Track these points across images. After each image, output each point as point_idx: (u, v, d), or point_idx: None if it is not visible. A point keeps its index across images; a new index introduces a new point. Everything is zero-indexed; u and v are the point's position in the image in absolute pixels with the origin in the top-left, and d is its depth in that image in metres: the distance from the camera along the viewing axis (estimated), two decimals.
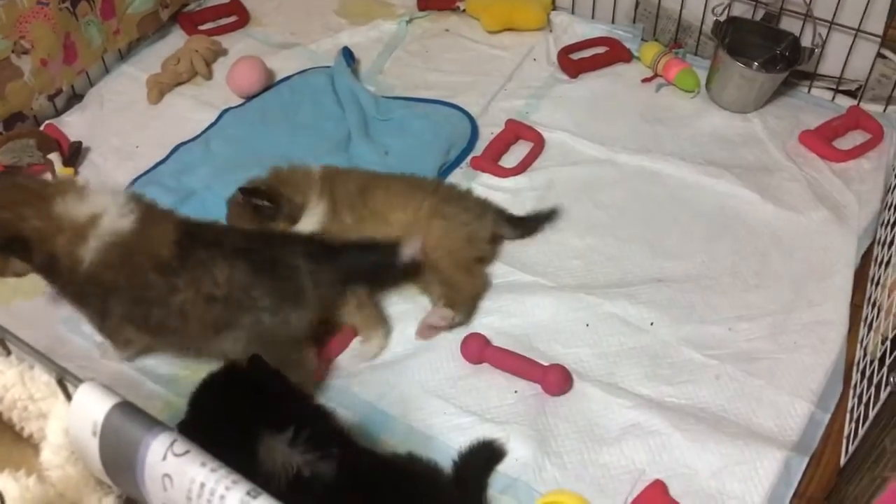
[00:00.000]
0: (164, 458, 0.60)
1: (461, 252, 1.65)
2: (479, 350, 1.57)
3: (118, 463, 0.63)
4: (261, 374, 1.21)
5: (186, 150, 2.01)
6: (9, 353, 0.74)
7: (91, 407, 0.63)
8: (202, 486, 0.59)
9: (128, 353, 1.58)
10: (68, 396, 0.67)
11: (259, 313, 1.42)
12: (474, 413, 1.51)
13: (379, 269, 1.55)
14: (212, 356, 1.50)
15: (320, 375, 1.55)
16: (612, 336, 1.62)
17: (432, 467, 1.32)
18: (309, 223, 1.64)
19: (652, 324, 1.64)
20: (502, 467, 1.43)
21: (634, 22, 2.29)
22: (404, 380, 1.56)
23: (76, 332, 1.64)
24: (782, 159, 1.96)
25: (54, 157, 1.92)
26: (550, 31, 2.32)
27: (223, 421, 1.15)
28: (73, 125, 2.06)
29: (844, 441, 1.46)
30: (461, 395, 1.53)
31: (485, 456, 1.42)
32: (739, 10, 2.10)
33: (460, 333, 1.60)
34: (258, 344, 1.39)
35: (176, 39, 2.30)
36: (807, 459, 1.43)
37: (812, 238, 1.79)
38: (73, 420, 0.65)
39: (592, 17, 2.33)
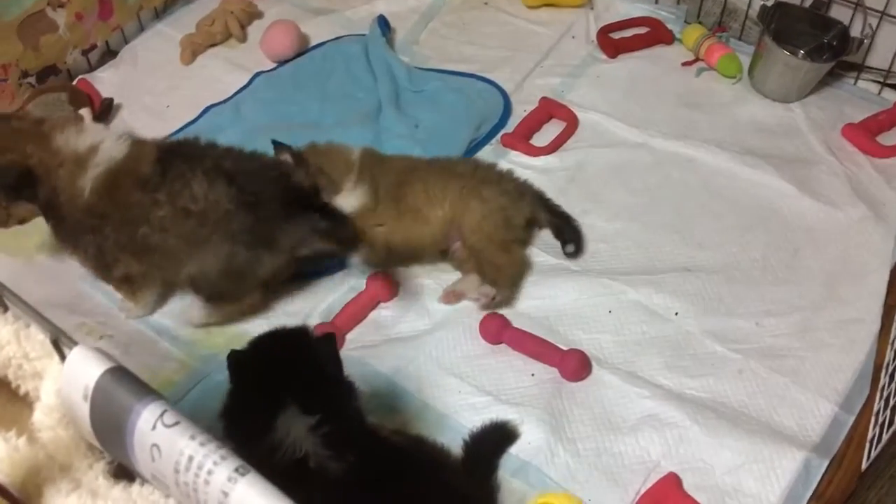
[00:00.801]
0: (154, 427, 0.59)
1: (498, 234, 1.63)
2: (498, 330, 1.55)
3: (108, 429, 0.62)
4: (324, 352, 1.20)
5: (216, 112, 2.00)
6: (6, 309, 0.73)
7: (83, 370, 0.62)
8: (190, 459, 0.58)
9: (143, 305, 1.60)
10: (63, 357, 0.66)
11: (236, 245, 1.43)
12: (489, 393, 1.49)
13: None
14: (187, 287, 1.52)
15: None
16: (634, 324, 1.59)
17: (439, 453, 1.30)
18: (343, 207, 1.60)
19: (676, 313, 1.60)
20: (514, 450, 1.41)
21: (679, 3, 2.23)
22: (421, 355, 1.54)
23: (97, 289, 1.64)
24: (823, 152, 1.91)
25: (85, 112, 1.91)
26: (592, 8, 2.26)
27: (267, 373, 1.16)
28: (105, 81, 2.06)
29: (867, 445, 1.42)
30: (477, 375, 1.51)
31: (497, 437, 1.40)
32: None
33: (479, 313, 1.58)
34: (229, 278, 1.45)
35: (212, 0, 2.28)
36: (827, 461, 1.40)
37: (848, 234, 1.74)
38: (65, 382, 0.64)
39: None
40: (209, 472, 0.57)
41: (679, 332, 1.58)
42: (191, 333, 1.57)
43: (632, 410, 1.46)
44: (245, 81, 2.07)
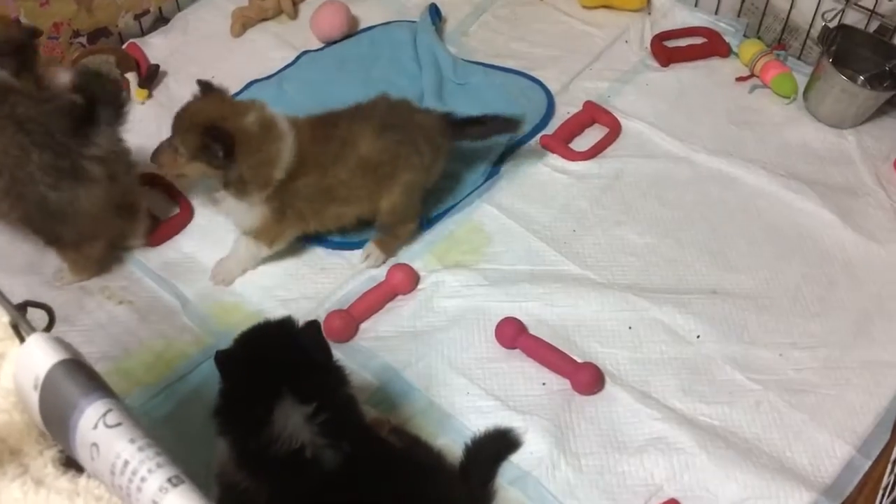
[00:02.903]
0: (95, 426, 0.58)
1: (409, 212, 1.67)
2: (513, 335, 1.53)
3: (55, 421, 0.62)
4: (310, 341, 1.20)
5: (260, 88, 2.00)
6: None
7: (36, 359, 0.62)
8: (126, 463, 0.57)
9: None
10: (22, 342, 0.66)
11: (41, 188, 1.44)
12: (497, 398, 1.47)
13: None
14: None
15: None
16: (653, 343, 1.56)
17: (435, 456, 1.29)
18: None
19: (698, 336, 1.57)
20: (516, 458, 1.40)
21: (739, 16, 2.17)
22: (433, 352, 1.53)
23: (126, 256, 1.66)
24: (871, 183, 1.84)
25: (131, 76, 1.94)
26: (649, 13, 2.21)
27: (258, 367, 1.16)
28: (155, 47, 2.08)
29: (881, 492, 1.37)
30: (487, 378, 1.50)
31: (499, 444, 1.39)
32: (852, 19, 1.96)
33: (497, 315, 1.56)
34: (52, 220, 1.48)
35: None
36: None
37: (887, 272, 1.68)
38: (18, 369, 0.64)
39: (696, 5, 2.22)
40: (142, 479, 0.56)
41: (699, 355, 1.54)
42: (208, 308, 1.58)
43: (640, 431, 1.44)
44: (291, 59, 2.07)
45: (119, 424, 0.58)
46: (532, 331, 1.55)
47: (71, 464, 0.68)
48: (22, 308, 0.71)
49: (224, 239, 1.66)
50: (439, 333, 1.56)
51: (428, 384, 1.48)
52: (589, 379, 1.47)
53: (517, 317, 1.56)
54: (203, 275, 1.63)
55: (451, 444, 1.39)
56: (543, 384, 1.49)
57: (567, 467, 1.38)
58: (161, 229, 1.69)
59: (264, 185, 1.50)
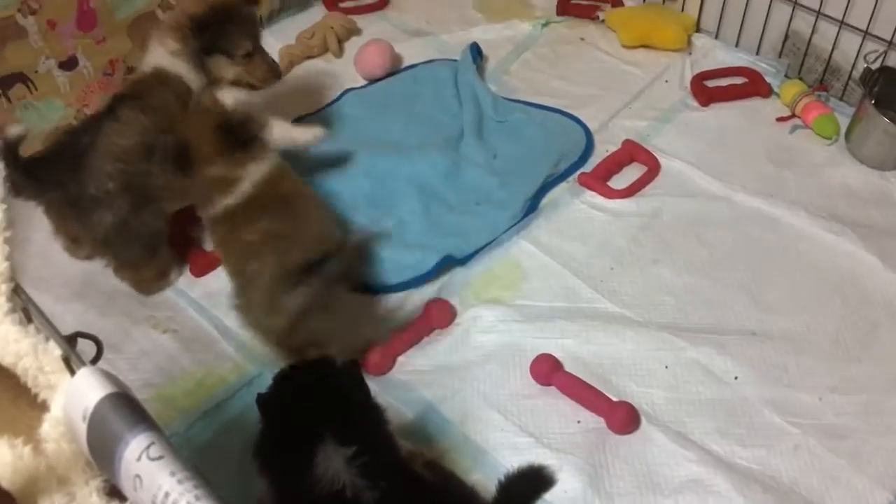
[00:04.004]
0: (139, 458, 0.61)
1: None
2: (548, 372, 1.54)
3: (102, 452, 0.64)
4: (349, 381, 1.22)
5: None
6: (30, 321, 0.77)
7: (85, 392, 0.65)
8: (167, 495, 0.59)
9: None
10: (73, 375, 0.69)
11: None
12: (532, 435, 1.47)
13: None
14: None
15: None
16: (690, 383, 1.55)
17: (469, 492, 1.30)
18: None
19: (736, 378, 1.55)
20: (550, 496, 1.38)
21: (780, 56, 2.17)
22: (468, 387, 1.54)
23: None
24: None
25: None
26: (689, 53, 2.23)
27: (300, 411, 1.18)
28: None
29: None
30: (522, 415, 1.50)
31: (532, 482, 1.38)
32: (895, 61, 1.95)
33: (533, 351, 1.57)
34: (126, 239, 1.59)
35: (315, 13, 2.35)
36: None
37: None
38: (68, 401, 0.67)
39: (736, 45, 2.23)
40: None
41: (736, 397, 1.53)
42: (250, 337, 1.61)
43: (676, 472, 1.43)
44: (335, 96, 2.12)
45: (161, 457, 0.61)
46: (567, 368, 1.55)
47: (115, 493, 0.70)
48: (72, 339, 0.75)
49: None
50: (475, 368, 1.57)
51: (463, 419, 1.49)
52: (624, 418, 1.47)
53: (553, 353, 1.56)
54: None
55: (485, 479, 1.39)
56: (578, 422, 1.49)
57: None
58: (205, 260, 1.73)
59: None
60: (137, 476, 0.61)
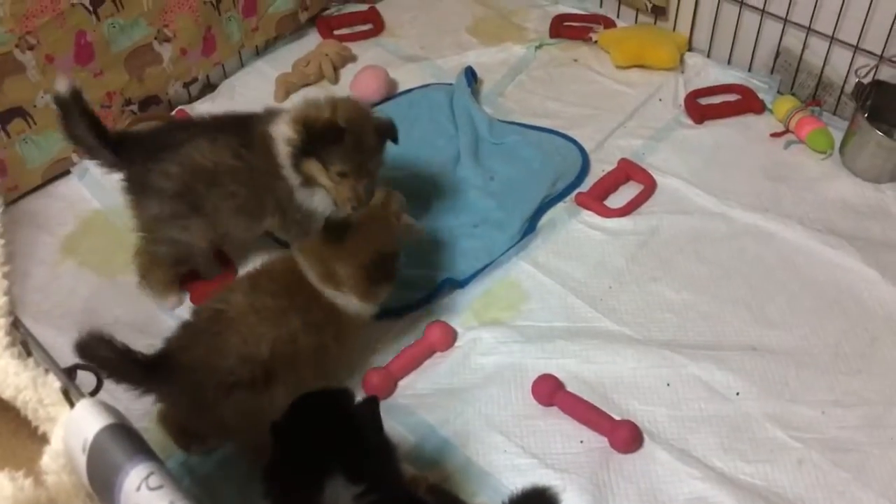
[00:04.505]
0: (139, 489, 0.61)
1: None
2: (550, 392, 1.54)
3: (102, 484, 0.65)
4: (366, 418, 1.20)
5: None
6: (29, 354, 0.77)
7: (84, 424, 0.65)
8: None
9: None
10: (72, 407, 0.69)
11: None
12: (535, 456, 1.47)
13: None
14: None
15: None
16: (692, 400, 1.55)
17: None
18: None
19: (738, 393, 1.55)
20: None
21: (772, 72, 2.19)
22: (470, 409, 1.54)
23: (169, 314, 1.71)
24: None
25: None
26: (682, 72, 2.25)
27: (313, 443, 1.17)
28: (202, 113, 2.15)
29: None
30: (525, 436, 1.50)
31: (536, 503, 1.38)
32: (887, 75, 1.97)
33: (534, 372, 1.57)
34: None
35: (310, 41, 2.37)
36: None
37: None
38: (68, 433, 0.68)
39: (728, 63, 2.25)
40: None
41: (738, 413, 1.53)
42: None
43: (680, 490, 1.42)
44: None
45: (161, 487, 0.61)
46: (569, 388, 1.55)
47: None
48: (72, 371, 0.75)
49: None
50: (476, 390, 1.57)
51: (465, 441, 1.49)
52: (627, 436, 1.47)
53: (554, 374, 1.56)
54: None
55: (489, 502, 1.40)
56: (581, 442, 1.49)
57: None
58: (207, 288, 1.74)
59: None
60: None
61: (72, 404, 0.70)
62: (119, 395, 1.53)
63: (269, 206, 1.64)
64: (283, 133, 1.57)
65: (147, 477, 0.61)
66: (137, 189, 1.61)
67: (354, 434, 1.18)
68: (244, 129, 1.62)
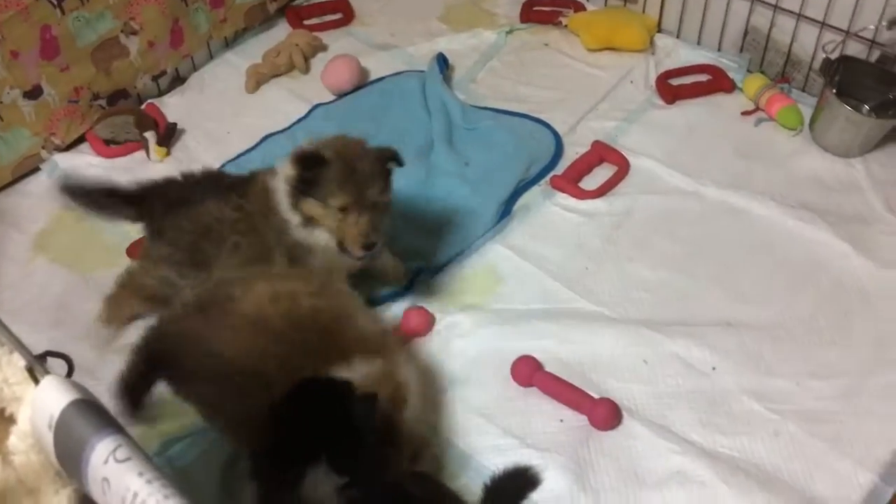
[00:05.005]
0: (106, 462, 0.61)
1: None
2: (529, 373, 1.54)
3: (69, 459, 0.64)
4: (363, 415, 1.19)
5: (274, 141, 2.05)
6: None
7: (50, 400, 0.65)
8: (135, 495, 0.59)
9: None
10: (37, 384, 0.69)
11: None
12: (516, 436, 1.48)
13: None
14: None
15: None
16: (670, 376, 1.56)
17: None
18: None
19: (714, 368, 1.57)
20: (536, 496, 1.39)
21: (742, 51, 2.20)
22: (450, 393, 1.54)
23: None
24: (882, 210, 1.85)
25: (150, 135, 1.99)
26: (652, 53, 2.26)
27: (306, 428, 1.17)
28: (172, 106, 2.14)
29: None
30: (505, 417, 1.51)
31: (518, 483, 1.39)
32: (853, 50, 1.99)
33: (512, 354, 1.57)
34: None
35: (280, 32, 2.35)
36: None
37: None
38: (34, 411, 0.67)
39: (698, 43, 2.26)
40: None
41: (715, 387, 1.54)
42: None
43: (660, 465, 1.43)
44: (304, 112, 2.13)
45: (129, 459, 0.60)
46: (548, 368, 1.56)
47: (86, 502, 0.70)
48: (42, 357, 0.74)
49: None
50: (456, 374, 1.57)
51: (446, 424, 1.49)
52: (606, 414, 1.48)
53: (532, 355, 1.57)
54: None
55: (471, 483, 1.40)
56: (561, 421, 1.50)
57: (587, 503, 1.38)
58: None
59: None
60: (105, 479, 0.60)
61: (37, 382, 0.69)
62: (97, 390, 1.52)
63: (276, 251, 1.58)
64: (283, 173, 1.53)
65: (115, 450, 0.61)
66: (153, 235, 1.62)
67: (346, 427, 1.17)
68: (245, 183, 1.61)
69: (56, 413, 0.64)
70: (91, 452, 0.61)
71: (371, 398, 1.20)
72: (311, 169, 1.48)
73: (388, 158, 1.55)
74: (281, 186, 1.53)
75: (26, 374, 0.70)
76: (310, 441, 1.15)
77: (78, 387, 0.67)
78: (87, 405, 0.65)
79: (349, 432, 1.17)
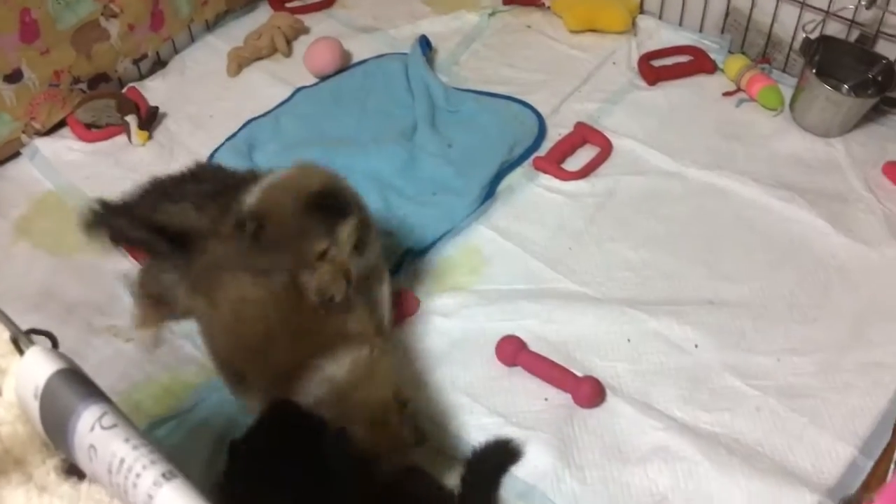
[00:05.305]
0: (92, 429, 0.61)
1: None
2: (513, 353, 1.55)
3: (55, 428, 0.65)
4: (334, 453, 1.14)
5: (257, 125, 2.05)
6: None
7: (35, 370, 0.65)
8: (122, 461, 0.60)
9: None
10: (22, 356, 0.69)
11: None
12: (501, 415, 1.49)
13: None
14: None
15: None
16: (652, 354, 1.58)
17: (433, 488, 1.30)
18: None
19: (696, 346, 1.58)
20: (521, 473, 1.41)
21: (723, 32, 2.21)
22: (435, 373, 1.55)
23: (127, 294, 1.69)
24: (861, 189, 1.87)
25: (131, 119, 1.98)
26: (634, 35, 2.26)
27: (271, 472, 1.13)
28: (153, 90, 2.13)
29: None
30: (489, 396, 1.52)
31: (499, 456, 1.40)
32: (833, 30, 2.00)
33: (497, 334, 1.58)
34: None
35: (262, 15, 2.34)
36: None
37: (881, 275, 1.70)
38: (19, 380, 0.68)
39: (680, 24, 2.27)
40: (137, 475, 0.59)
41: (698, 364, 1.56)
42: None
43: (643, 441, 1.45)
44: (287, 95, 2.12)
45: (115, 426, 0.61)
46: (532, 348, 1.57)
47: (73, 471, 0.70)
48: (26, 335, 0.75)
49: None
50: (441, 355, 1.58)
51: (431, 404, 1.50)
52: (590, 392, 1.49)
53: (517, 335, 1.58)
54: None
55: (455, 461, 1.41)
56: (546, 399, 1.51)
57: (572, 480, 1.40)
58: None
59: None
60: (91, 446, 0.61)
61: (22, 353, 0.70)
62: None
63: None
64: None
65: (101, 417, 0.62)
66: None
67: (317, 470, 1.12)
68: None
69: (41, 383, 0.65)
70: (77, 420, 0.62)
71: (341, 434, 1.15)
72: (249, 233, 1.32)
73: (321, 203, 1.33)
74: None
75: (11, 347, 0.70)
76: (275, 487, 1.11)
77: (63, 357, 0.68)
78: (72, 374, 0.65)
79: (320, 476, 1.12)
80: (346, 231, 1.34)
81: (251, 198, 1.37)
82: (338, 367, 1.28)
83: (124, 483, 0.60)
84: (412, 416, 1.31)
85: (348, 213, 1.35)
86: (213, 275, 1.38)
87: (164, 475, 0.61)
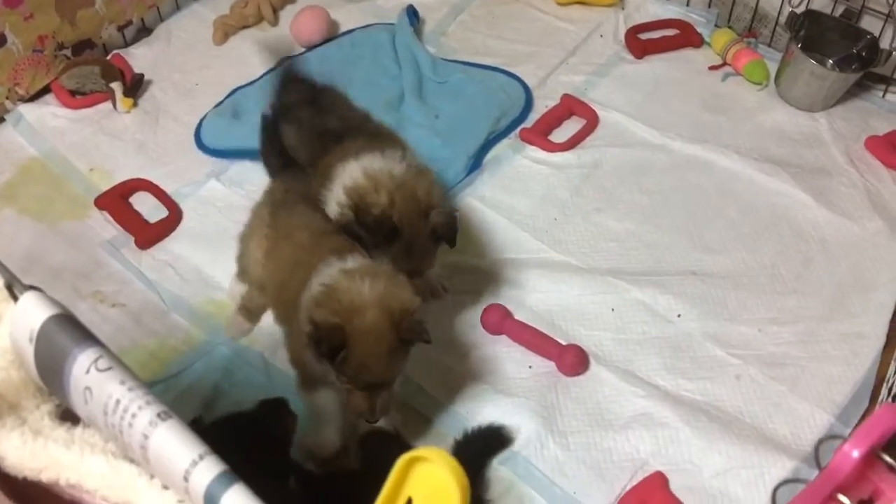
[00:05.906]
0: (88, 371, 0.62)
1: None
2: (498, 321, 1.57)
3: (50, 371, 0.65)
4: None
5: (243, 94, 2.04)
6: None
7: (30, 315, 0.66)
8: (117, 402, 0.61)
9: None
10: (16, 301, 0.70)
11: None
12: (486, 383, 1.51)
13: None
14: None
15: None
16: (635, 323, 1.60)
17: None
18: None
19: (679, 315, 1.61)
20: None
21: (710, 6, 2.22)
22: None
23: (115, 257, 1.69)
24: (843, 163, 1.89)
25: (116, 86, 1.97)
26: (622, 8, 2.26)
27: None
28: (139, 57, 2.11)
29: None
30: (475, 364, 1.53)
31: (489, 442, 1.41)
32: (819, 4, 2.01)
33: (482, 303, 1.60)
34: None
35: None
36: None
37: (861, 248, 1.73)
38: (13, 325, 0.68)
39: None
40: (133, 416, 0.60)
41: (680, 334, 1.58)
42: (199, 306, 1.61)
43: (625, 408, 1.47)
44: (273, 64, 2.10)
45: (110, 368, 0.62)
46: (517, 317, 1.58)
47: (67, 416, 0.71)
48: (20, 282, 0.75)
49: (212, 239, 1.70)
50: (427, 324, 1.58)
51: (418, 373, 1.51)
52: (574, 360, 1.51)
53: (502, 304, 1.59)
54: (193, 274, 1.66)
55: (444, 429, 1.43)
56: (530, 367, 1.53)
57: (555, 446, 1.42)
58: (151, 232, 1.72)
59: None
60: (87, 388, 0.62)
61: (16, 300, 0.70)
62: None
63: None
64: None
65: (96, 360, 0.62)
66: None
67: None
68: None
69: (37, 327, 0.65)
70: (73, 363, 0.63)
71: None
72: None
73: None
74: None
75: (6, 293, 0.71)
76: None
77: (57, 303, 0.68)
78: (67, 319, 0.66)
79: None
80: None
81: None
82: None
83: (119, 423, 0.61)
84: None
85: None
86: None
87: (159, 415, 0.62)
